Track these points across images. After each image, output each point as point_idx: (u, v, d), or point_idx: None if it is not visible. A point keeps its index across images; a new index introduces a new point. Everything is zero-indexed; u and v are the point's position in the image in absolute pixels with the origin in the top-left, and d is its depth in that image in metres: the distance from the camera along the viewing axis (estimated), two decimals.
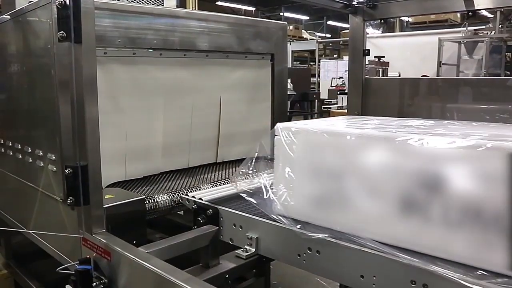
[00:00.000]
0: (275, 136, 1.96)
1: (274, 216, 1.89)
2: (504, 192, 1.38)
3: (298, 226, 1.79)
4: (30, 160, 2.30)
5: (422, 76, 5.22)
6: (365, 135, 1.75)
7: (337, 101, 12.14)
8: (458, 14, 14.03)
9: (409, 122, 2.06)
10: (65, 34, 1.76)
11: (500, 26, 12.21)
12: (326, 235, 1.71)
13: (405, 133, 1.66)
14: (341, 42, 20.01)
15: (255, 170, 2.11)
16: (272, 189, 2.00)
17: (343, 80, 13.15)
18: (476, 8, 2.74)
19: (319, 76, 16.28)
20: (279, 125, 1.96)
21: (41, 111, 2.19)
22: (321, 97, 13.31)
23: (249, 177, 2.15)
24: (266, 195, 1.99)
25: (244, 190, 2.08)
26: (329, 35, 24.23)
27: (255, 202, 2.01)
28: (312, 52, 18.75)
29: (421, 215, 1.56)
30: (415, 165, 1.57)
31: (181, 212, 2.82)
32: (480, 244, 1.44)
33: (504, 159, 1.38)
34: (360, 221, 1.69)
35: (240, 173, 2.13)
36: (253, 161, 2.10)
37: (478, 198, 1.43)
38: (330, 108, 11.39)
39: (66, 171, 1.85)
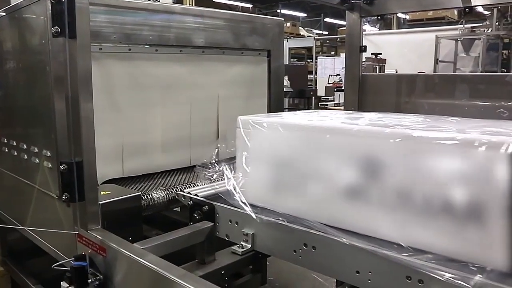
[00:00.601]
0: (236, 128, 2.10)
1: (236, 203, 1.99)
2: (431, 175, 1.51)
3: (254, 211, 1.91)
4: (26, 157, 2.29)
5: (418, 72, 5.22)
6: (311, 127, 1.90)
7: (334, 98, 12.14)
8: (455, 12, 14.05)
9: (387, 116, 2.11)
10: (59, 30, 1.76)
11: (497, 23, 12.24)
12: (318, 231, 1.72)
13: (351, 124, 1.82)
14: (338, 39, 19.98)
15: (217, 160, 2.21)
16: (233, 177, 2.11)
17: (340, 77, 13.15)
18: (472, 4, 2.74)
19: (316, 73, 16.26)
20: (239, 118, 2.11)
21: (36, 107, 2.19)
22: (318, 94, 13.29)
23: (211, 168, 2.23)
24: (228, 184, 2.09)
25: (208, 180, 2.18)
26: (326, 32, 24.19)
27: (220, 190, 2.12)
28: (309, 49, 18.72)
29: (363, 199, 1.69)
30: (354, 153, 1.72)
31: (178, 209, 2.82)
32: (411, 224, 1.57)
33: (433, 147, 1.51)
34: (310, 205, 1.84)
35: (203, 165, 2.22)
36: (216, 152, 2.23)
37: (411, 182, 1.57)
38: (327, 105, 11.39)
39: (61, 167, 1.85)
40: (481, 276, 1.34)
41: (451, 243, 1.48)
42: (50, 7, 1.77)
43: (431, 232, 1.52)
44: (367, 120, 1.96)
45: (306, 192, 1.86)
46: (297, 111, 2.55)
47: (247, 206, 1.93)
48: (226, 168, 2.15)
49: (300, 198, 1.88)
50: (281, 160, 1.96)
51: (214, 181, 2.23)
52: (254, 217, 1.87)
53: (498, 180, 1.38)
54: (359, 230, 1.68)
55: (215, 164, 2.24)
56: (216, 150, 2.20)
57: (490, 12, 12.50)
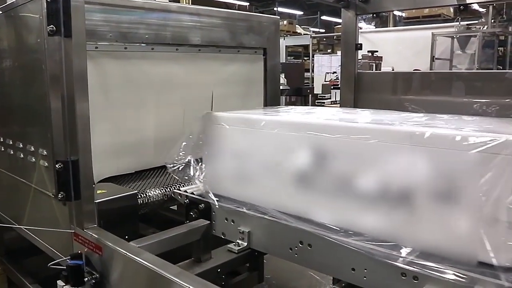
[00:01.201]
0: (204, 123, 2.23)
1: (202, 193, 2.14)
2: (368, 165, 1.66)
3: (217, 199, 2.07)
4: (22, 156, 2.29)
5: (414, 70, 5.23)
6: (264, 121, 2.01)
7: (330, 96, 12.14)
8: (451, 9, 14.06)
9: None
10: (54, 28, 1.76)
11: (492, 20, 12.25)
12: (314, 229, 1.73)
13: (301, 118, 2.00)
14: (335, 37, 19.98)
15: (184, 152, 2.26)
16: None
17: (336, 75, 13.14)
18: (467, 2, 2.74)
19: (313, 71, 16.27)
20: (206, 113, 2.25)
21: (32, 106, 2.18)
22: (314, 92, 13.29)
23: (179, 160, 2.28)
24: (192, 174, 2.20)
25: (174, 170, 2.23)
26: (323, 30, 24.21)
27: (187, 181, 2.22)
28: (306, 47, 18.71)
29: (309, 187, 1.83)
30: (301, 145, 1.86)
31: (175, 207, 2.82)
32: (350, 209, 1.71)
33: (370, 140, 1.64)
34: (265, 194, 1.98)
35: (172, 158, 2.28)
36: (183, 145, 2.28)
37: (353, 172, 1.70)
38: (324, 103, 11.38)
39: (57, 166, 1.85)
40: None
41: (385, 226, 1.61)
42: (45, 6, 1.77)
43: (367, 216, 1.66)
44: (319, 114, 2.12)
45: (261, 182, 2.00)
46: (268, 107, 2.66)
47: (211, 195, 2.09)
48: (193, 161, 2.24)
49: (257, 187, 2.02)
50: (240, 153, 2.10)
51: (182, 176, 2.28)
52: (217, 206, 2.04)
53: (422, 169, 1.51)
54: (306, 215, 1.81)
55: (186, 158, 2.30)
56: (184, 143, 2.27)
57: (485, 9, 12.51)
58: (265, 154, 1.99)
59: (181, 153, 2.23)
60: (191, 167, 2.20)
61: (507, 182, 1.35)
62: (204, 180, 2.17)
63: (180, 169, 2.20)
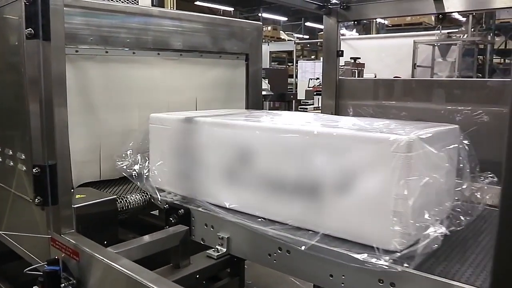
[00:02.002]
0: (149, 124, 2.40)
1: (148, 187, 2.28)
2: (285, 161, 1.83)
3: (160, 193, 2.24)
4: (1, 160, 2.26)
5: (394, 77, 5.29)
6: (198, 121, 2.19)
7: (313, 101, 12.21)
8: (433, 17, 14.28)
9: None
10: (33, 32, 1.74)
11: (472, 29, 12.46)
12: (293, 236, 1.74)
13: (229, 119, 2.14)
14: (318, 43, 20.12)
15: (131, 151, 2.41)
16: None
17: (320, 81, 13.22)
18: (446, 11, 2.79)
19: (296, 77, 16.35)
20: (151, 115, 2.41)
21: (11, 109, 2.16)
22: (298, 98, 13.36)
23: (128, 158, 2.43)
24: (139, 170, 2.34)
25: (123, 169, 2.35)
26: (307, 36, 24.36)
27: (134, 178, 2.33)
28: (290, 53, 18.81)
29: (237, 181, 2.01)
30: (229, 143, 2.04)
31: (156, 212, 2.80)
32: (272, 200, 1.89)
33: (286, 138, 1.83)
34: (200, 188, 2.15)
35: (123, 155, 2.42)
36: (131, 144, 2.44)
37: (271, 167, 1.88)
38: (307, 108, 11.45)
39: (34, 170, 1.83)
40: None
41: (300, 214, 1.79)
42: (24, 9, 1.76)
43: (286, 206, 1.84)
44: (246, 116, 2.32)
45: (197, 177, 2.18)
46: (215, 110, 2.76)
47: (153, 189, 2.26)
48: (140, 158, 2.39)
49: (193, 182, 2.19)
50: (179, 150, 2.27)
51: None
52: (160, 201, 2.22)
53: (330, 164, 1.69)
54: (237, 208, 1.99)
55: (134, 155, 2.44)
56: (132, 142, 2.43)
57: (465, 18, 12.74)
58: (201, 151, 2.16)
59: (129, 151, 2.39)
60: (137, 165, 2.36)
61: (394, 176, 1.51)
62: (149, 176, 2.35)
63: (127, 166, 2.35)
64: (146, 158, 2.40)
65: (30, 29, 1.74)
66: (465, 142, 1.96)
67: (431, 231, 1.57)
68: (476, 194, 2.04)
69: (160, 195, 2.23)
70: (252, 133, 1.96)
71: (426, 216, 1.59)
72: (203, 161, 2.14)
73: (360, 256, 1.52)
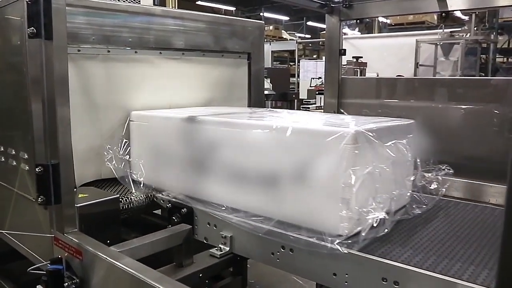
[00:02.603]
0: (130, 121, 2.54)
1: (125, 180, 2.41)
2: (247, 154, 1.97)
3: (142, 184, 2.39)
4: (3, 159, 2.26)
5: (397, 76, 5.28)
6: (171, 118, 2.34)
7: (315, 101, 12.21)
8: (435, 16, 14.24)
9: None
10: (35, 31, 1.74)
11: (475, 28, 12.43)
12: (296, 234, 1.74)
13: (199, 115, 2.24)
14: (320, 42, 20.12)
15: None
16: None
17: (322, 81, 13.23)
18: (449, 9, 2.78)
19: (298, 76, 16.36)
20: (132, 112, 2.55)
21: (13, 109, 2.16)
22: (300, 97, 13.36)
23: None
24: (121, 166, 2.45)
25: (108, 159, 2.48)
26: (308, 36, 24.34)
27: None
28: (291, 52, 18.83)
29: (207, 174, 2.15)
30: (198, 137, 2.18)
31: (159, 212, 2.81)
32: (238, 190, 2.02)
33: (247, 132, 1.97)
34: (174, 181, 2.30)
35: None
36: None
37: (235, 160, 2.02)
38: (309, 108, 11.44)
39: (37, 169, 1.83)
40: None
41: (263, 204, 1.91)
42: (26, 8, 1.76)
43: (250, 196, 1.97)
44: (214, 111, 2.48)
45: (172, 170, 2.32)
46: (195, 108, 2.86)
47: (129, 181, 2.40)
48: (123, 153, 2.50)
49: (169, 175, 2.34)
50: (155, 145, 2.43)
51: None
52: (134, 192, 2.36)
53: (286, 156, 1.83)
54: (207, 198, 2.11)
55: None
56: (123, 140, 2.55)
57: (468, 17, 12.71)
58: (174, 146, 2.31)
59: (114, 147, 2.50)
60: (119, 158, 2.48)
61: (342, 165, 1.64)
62: (131, 170, 2.49)
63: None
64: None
65: (32, 28, 1.74)
66: (422, 136, 2.12)
67: (376, 217, 1.68)
68: (432, 185, 2.15)
69: (134, 188, 2.37)
70: (215, 128, 2.13)
71: (372, 203, 1.70)
72: (175, 155, 2.30)
73: (310, 239, 1.67)
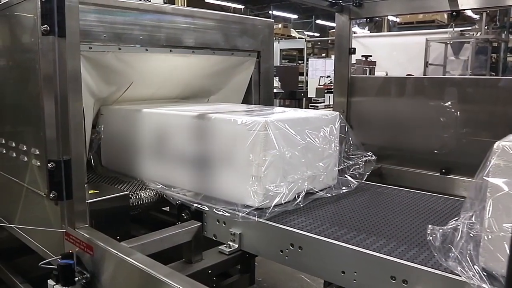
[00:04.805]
0: (100, 114, 2.78)
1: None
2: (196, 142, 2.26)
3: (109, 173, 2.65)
4: (15, 155, 2.28)
5: (407, 75, 5.26)
6: (134, 110, 2.59)
7: (324, 99, 12.18)
8: (445, 15, 14.15)
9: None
10: (48, 28, 1.76)
11: (486, 27, 12.33)
12: (305, 232, 1.78)
13: (157, 108, 2.53)
14: (329, 41, 20.06)
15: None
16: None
17: (330, 79, 13.20)
18: (460, 8, 2.78)
19: (307, 74, 16.31)
20: (102, 107, 2.79)
21: (26, 105, 2.18)
22: (308, 96, 13.33)
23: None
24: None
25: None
26: (317, 34, 24.28)
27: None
28: (300, 50, 18.78)
29: (161, 159, 2.43)
30: (154, 128, 2.48)
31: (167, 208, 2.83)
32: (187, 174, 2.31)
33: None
34: (139, 167, 2.57)
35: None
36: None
37: (184, 146, 2.31)
38: (318, 106, 11.42)
39: (49, 165, 1.85)
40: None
41: (193, 181, 2.27)
42: (40, 5, 1.78)
43: (186, 175, 2.30)
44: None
45: (135, 158, 2.58)
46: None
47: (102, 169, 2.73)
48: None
49: (133, 163, 2.59)
50: (122, 135, 2.68)
51: None
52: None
53: (214, 140, 2.15)
54: (164, 182, 2.38)
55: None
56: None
57: (479, 16, 12.60)
58: (136, 135, 2.57)
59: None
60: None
61: (255, 149, 1.97)
62: (103, 158, 2.80)
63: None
64: None
65: (46, 25, 1.76)
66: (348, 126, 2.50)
67: (284, 193, 2.01)
68: (357, 170, 2.46)
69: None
70: (158, 118, 2.46)
71: (281, 181, 2.03)
72: (138, 144, 2.57)
73: (226, 210, 2.00)
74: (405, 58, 11.43)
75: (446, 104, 2.92)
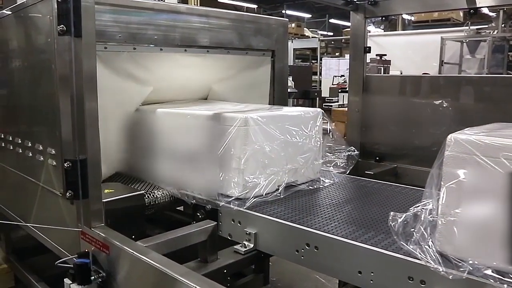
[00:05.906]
0: None
1: None
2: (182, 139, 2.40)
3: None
4: (30, 155, 2.30)
5: (423, 74, 5.21)
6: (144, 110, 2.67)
7: (338, 99, 12.12)
8: (461, 13, 13.99)
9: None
10: (65, 28, 1.77)
11: (503, 25, 12.18)
12: (321, 231, 1.76)
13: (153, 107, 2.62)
14: (343, 40, 19.97)
15: None
16: None
17: (344, 78, 13.14)
18: (477, 5, 2.74)
19: (320, 74, 16.24)
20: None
21: (42, 105, 2.20)
22: (322, 95, 13.28)
23: None
24: None
25: None
26: (331, 33, 24.18)
27: None
28: (314, 50, 18.69)
29: (155, 157, 2.53)
30: (145, 126, 2.59)
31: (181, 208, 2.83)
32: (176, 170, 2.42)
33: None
34: (137, 164, 2.65)
35: None
36: None
37: (174, 144, 2.43)
38: (331, 106, 11.36)
39: (65, 164, 1.86)
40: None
41: (185, 177, 2.35)
42: (56, 6, 1.79)
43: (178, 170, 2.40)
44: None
45: (133, 155, 2.69)
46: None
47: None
48: None
49: (135, 160, 2.68)
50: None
51: None
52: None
53: (200, 136, 2.29)
54: (151, 179, 2.51)
55: None
56: None
57: (495, 13, 12.44)
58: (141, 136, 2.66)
59: None
60: None
61: (236, 143, 2.12)
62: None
63: None
64: None
65: (62, 25, 1.77)
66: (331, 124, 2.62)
67: (263, 184, 2.14)
68: (341, 164, 2.59)
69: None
70: (155, 117, 2.54)
71: (261, 173, 2.16)
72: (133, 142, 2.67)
73: (210, 199, 2.14)
74: (419, 56, 11.34)
75: (463, 103, 2.88)
